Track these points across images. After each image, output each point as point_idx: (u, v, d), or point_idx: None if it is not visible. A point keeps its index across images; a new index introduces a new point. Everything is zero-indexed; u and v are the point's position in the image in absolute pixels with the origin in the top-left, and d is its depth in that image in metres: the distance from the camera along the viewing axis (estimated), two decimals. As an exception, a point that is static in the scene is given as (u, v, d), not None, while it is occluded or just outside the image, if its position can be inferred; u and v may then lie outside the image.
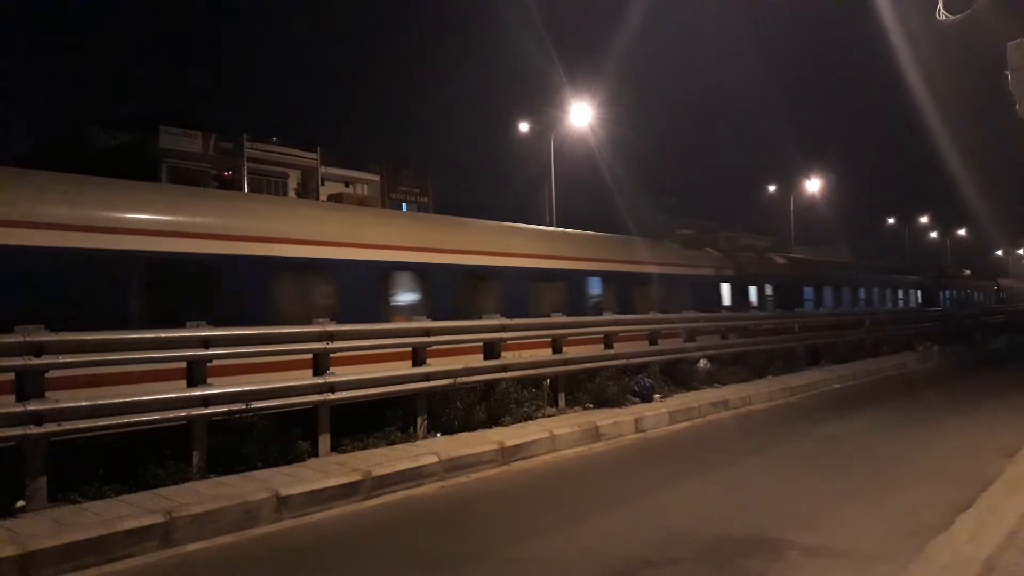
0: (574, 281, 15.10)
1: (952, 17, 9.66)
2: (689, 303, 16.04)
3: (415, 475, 7.78)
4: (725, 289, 20.31)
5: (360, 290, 10.79)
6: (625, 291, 15.94)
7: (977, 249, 74.45)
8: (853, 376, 17.45)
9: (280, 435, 7.79)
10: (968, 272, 49.39)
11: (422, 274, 11.91)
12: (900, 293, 32.53)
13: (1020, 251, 76.22)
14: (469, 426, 9.52)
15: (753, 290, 21.87)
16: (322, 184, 39.45)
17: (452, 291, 12.16)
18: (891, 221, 70.84)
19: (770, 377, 15.66)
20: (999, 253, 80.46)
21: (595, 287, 15.78)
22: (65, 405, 6.45)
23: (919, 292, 33.69)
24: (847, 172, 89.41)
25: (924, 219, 72.63)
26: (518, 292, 13.31)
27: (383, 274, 11.45)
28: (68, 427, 6.45)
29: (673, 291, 16.98)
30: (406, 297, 11.94)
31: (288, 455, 7.74)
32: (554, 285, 14.46)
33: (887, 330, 23.60)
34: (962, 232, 75.19)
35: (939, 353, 23.35)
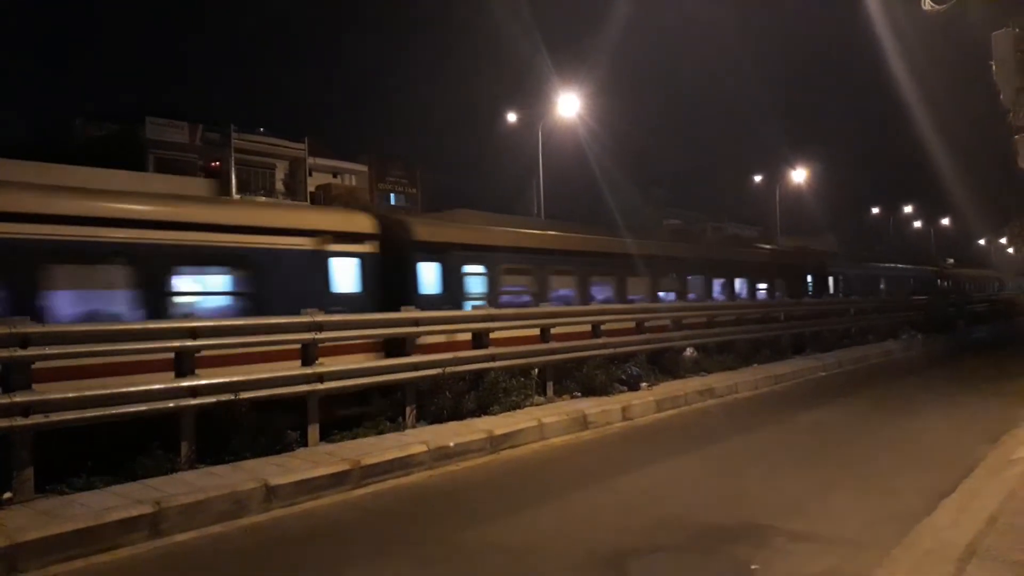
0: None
1: (938, 7, 9.70)
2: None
3: (404, 464, 7.81)
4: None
5: None
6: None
7: (961, 238, 75.02)
8: (839, 364, 17.59)
9: (269, 425, 7.79)
10: (951, 261, 49.93)
11: None
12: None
13: (1002, 240, 76.82)
14: (458, 415, 9.55)
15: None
16: (310, 175, 39.24)
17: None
18: (875, 211, 71.30)
19: (756, 365, 15.75)
20: (982, 242, 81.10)
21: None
22: (52, 396, 6.42)
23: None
24: (833, 163, 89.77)
25: (908, 209, 73.11)
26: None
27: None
28: (55, 418, 6.42)
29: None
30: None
31: (277, 445, 7.75)
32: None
33: (872, 318, 23.77)
34: (946, 222, 75.72)
35: (923, 341, 23.57)
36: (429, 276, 12.44)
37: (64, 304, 8.51)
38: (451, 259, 12.75)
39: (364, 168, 42.28)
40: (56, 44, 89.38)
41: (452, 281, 12.73)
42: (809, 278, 26.05)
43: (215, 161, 35.28)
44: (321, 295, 10.34)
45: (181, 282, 9.60)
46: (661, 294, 17.83)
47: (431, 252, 12.46)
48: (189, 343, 7.46)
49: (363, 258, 11.36)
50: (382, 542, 5.95)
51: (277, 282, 10.11)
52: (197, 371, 7.48)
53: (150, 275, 9.08)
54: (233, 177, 34.56)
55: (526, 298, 14.13)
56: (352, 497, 7.09)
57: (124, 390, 6.91)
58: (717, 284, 20.55)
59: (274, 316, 8.64)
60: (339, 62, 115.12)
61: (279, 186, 37.25)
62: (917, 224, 75.52)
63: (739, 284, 21.73)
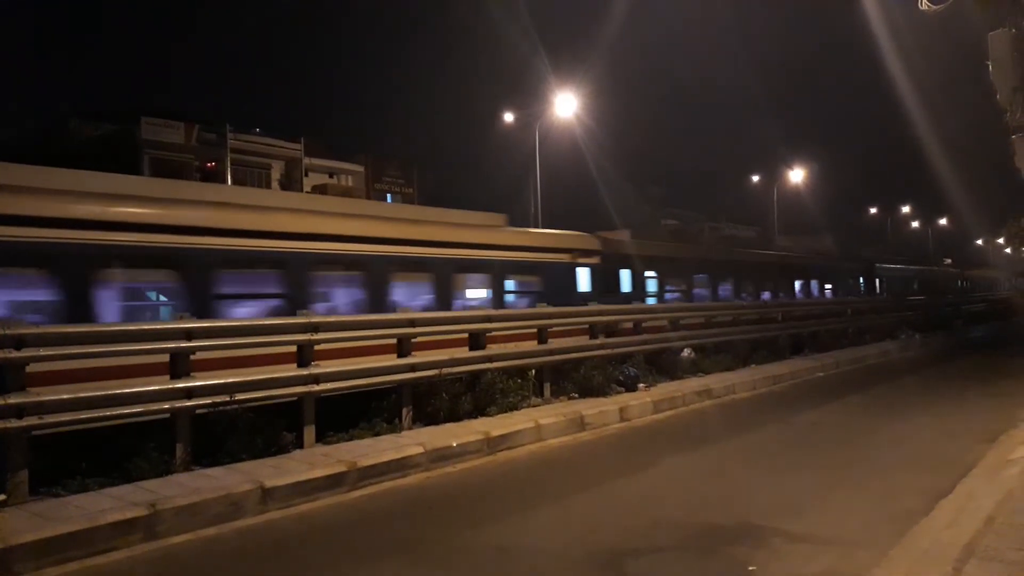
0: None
1: (935, 7, 9.69)
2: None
3: (400, 466, 7.78)
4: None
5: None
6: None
7: (958, 239, 75.16)
8: (836, 364, 17.59)
9: (265, 427, 7.75)
10: (949, 261, 50.12)
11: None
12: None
13: (999, 240, 76.99)
14: (455, 417, 9.52)
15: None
16: (306, 175, 39.22)
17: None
18: (873, 211, 71.37)
19: (754, 366, 15.74)
20: (979, 242, 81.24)
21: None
22: (46, 398, 6.38)
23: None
24: (831, 163, 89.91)
25: (906, 209, 73.20)
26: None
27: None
28: (49, 420, 6.39)
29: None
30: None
31: (273, 447, 7.72)
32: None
33: (869, 318, 23.79)
34: (943, 222, 75.83)
35: (920, 341, 23.58)
36: (625, 280, 17.48)
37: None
38: (636, 267, 17.69)
39: (360, 168, 42.25)
40: (51, 44, 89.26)
41: (637, 283, 17.72)
42: (861, 279, 31.76)
43: (211, 161, 35.26)
44: (571, 292, 15.02)
45: (513, 285, 14.19)
46: (743, 295, 22.01)
47: (625, 263, 17.40)
48: (184, 344, 7.43)
49: (592, 268, 15.88)
50: (379, 544, 5.92)
51: (551, 284, 14.48)
52: (194, 373, 7.44)
53: (497, 280, 13.61)
54: (228, 178, 34.54)
55: (677, 294, 19.37)
56: (348, 499, 7.07)
57: (119, 392, 6.87)
58: (797, 284, 26.31)
59: (270, 318, 8.61)
60: (335, 62, 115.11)
61: (275, 186, 37.19)
62: (915, 224, 75.62)
63: (812, 285, 27.06)
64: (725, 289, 21.25)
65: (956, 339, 25.67)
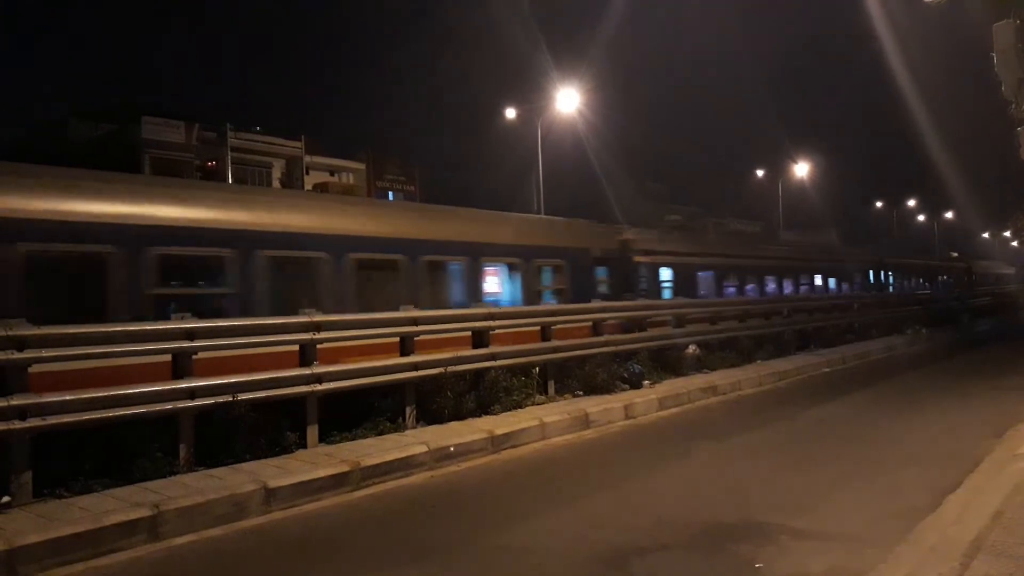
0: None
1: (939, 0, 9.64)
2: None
3: (404, 465, 7.76)
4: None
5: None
6: None
7: (964, 232, 74.94)
8: (842, 360, 17.54)
9: (268, 427, 7.73)
10: (955, 255, 49.99)
11: None
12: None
13: (1006, 233, 76.78)
14: (459, 415, 9.49)
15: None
16: (307, 173, 39.21)
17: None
18: (879, 205, 71.15)
19: (759, 362, 15.71)
20: (985, 235, 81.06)
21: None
22: (49, 399, 6.36)
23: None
24: (835, 157, 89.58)
25: (912, 203, 72.98)
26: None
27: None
28: (52, 422, 6.36)
29: None
30: None
31: (276, 447, 7.70)
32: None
33: (875, 313, 23.72)
34: (949, 215, 75.61)
35: (927, 336, 23.50)
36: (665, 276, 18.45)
37: None
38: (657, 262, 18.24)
39: (361, 166, 42.22)
40: (51, 44, 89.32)
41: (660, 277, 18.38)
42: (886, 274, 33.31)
43: (211, 160, 35.26)
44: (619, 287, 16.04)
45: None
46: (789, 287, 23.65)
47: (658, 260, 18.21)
48: (186, 344, 7.41)
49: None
50: (383, 544, 5.90)
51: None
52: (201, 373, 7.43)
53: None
54: (229, 177, 34.55)
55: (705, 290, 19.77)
56: (352, 499, 7.05)
57: (121, 392, 6.85)
58: (832, 281, 27.72)
59: (272, 317, 8.58)
60: (335, 59, 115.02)
61: (276, 185, 37.19)
62: (921, 218, 75.38)
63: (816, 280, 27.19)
64: (730, 285, 21.38)
65: (963, 334, 25.58)
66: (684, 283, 18.52)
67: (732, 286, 21.04)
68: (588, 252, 15.82)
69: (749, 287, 21.72)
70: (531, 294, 14.05)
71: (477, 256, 13.15)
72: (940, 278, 39.59)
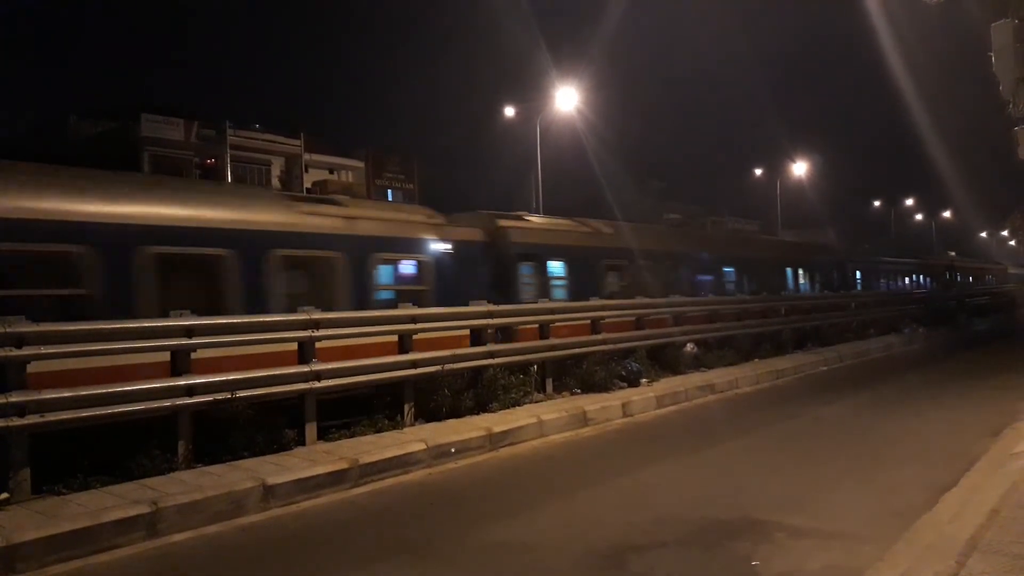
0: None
1: (938, -1, 9.65)
2: None
3: (403, 462, 7.77)
4: None
5: None
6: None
7: (962, 231, 75.01)
8: (840, 358, 17.56)
9: (266, 424, 7.74)
10: (954, 254, 50.03)
11: None
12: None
13: (1004, 232, 76.85)
14: (457, 413, 9.51)
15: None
16: (306, 171, 39.16)
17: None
18: (877, 204, 71.18)
19: (757, 360, 15.72)
20: (983, 235, 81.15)
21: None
22: (48, 396, 6.37)
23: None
24: (834, 156, 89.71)
25: (910, 202, 72.99)
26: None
27: None
28: (51, 418, 6.37)
29: None
30: None
31: (275, 444, 7.71)
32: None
33: (873, 312, 23.72)
34: (947, 215, 75.65)
35: (924, 335, 23.53)
36: None
37: None
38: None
39: (360, 164, 42.13)
40: (50, 41, 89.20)
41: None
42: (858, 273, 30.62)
43: (211, 158, 35.21)
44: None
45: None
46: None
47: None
48: (185, 341, 7.41)
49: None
50: (381, 541, 5.92)
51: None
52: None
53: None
54: (228, 174, 34.51)
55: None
56: (351, 496, 7.06)
57: (120, 389, 6.86)
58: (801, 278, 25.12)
59: (270, 314, 8.58)
60: (335, 57, 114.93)
61: (275, 183, 37.16)
62: (919, 217, 75.41)
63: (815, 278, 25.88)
64: (728, 283, 21.12)
65: (960, 333, 25.60)
66: (580, 280, 14.72)
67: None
68: (466, 245, 12.56)
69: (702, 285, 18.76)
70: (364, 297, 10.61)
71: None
72: (913, 276, 37.67)
